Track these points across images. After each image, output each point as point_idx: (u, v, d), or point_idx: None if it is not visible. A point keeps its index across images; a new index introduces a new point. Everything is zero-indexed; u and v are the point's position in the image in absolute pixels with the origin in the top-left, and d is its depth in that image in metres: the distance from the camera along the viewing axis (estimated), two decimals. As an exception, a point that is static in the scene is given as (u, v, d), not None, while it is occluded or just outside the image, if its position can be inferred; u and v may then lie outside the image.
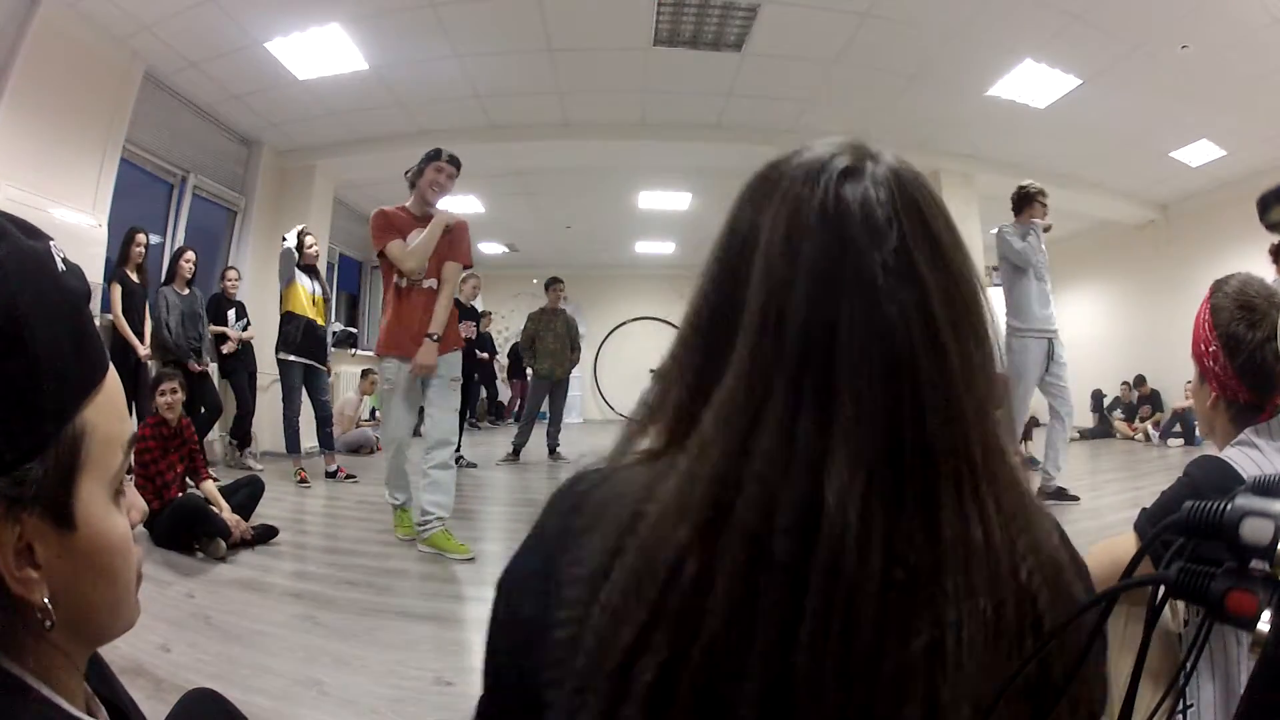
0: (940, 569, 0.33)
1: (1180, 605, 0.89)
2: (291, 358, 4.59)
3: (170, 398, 3.06)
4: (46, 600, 0.35)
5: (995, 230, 4.11)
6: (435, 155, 2.90)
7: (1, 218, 0.36)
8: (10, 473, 0.33)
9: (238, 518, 2.95)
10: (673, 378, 0.42)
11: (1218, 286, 1.01)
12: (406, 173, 2.99)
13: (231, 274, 5.24)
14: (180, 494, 3.06)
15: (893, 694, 0.32)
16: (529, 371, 6.32)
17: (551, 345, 5.88)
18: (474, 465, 5.42)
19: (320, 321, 4.73)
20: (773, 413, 0.35)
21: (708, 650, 0.32)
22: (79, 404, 0.36)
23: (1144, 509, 0.95)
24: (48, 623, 0.36)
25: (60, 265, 0.37)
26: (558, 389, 5.99)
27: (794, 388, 0.35)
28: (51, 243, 0.38)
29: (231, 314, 5.12)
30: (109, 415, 0.39)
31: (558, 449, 6.00)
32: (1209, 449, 1.04)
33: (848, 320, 0.35)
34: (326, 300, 4.95)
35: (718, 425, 0.36)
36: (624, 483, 0.40)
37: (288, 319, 4.59)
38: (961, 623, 0.33)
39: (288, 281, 4.60)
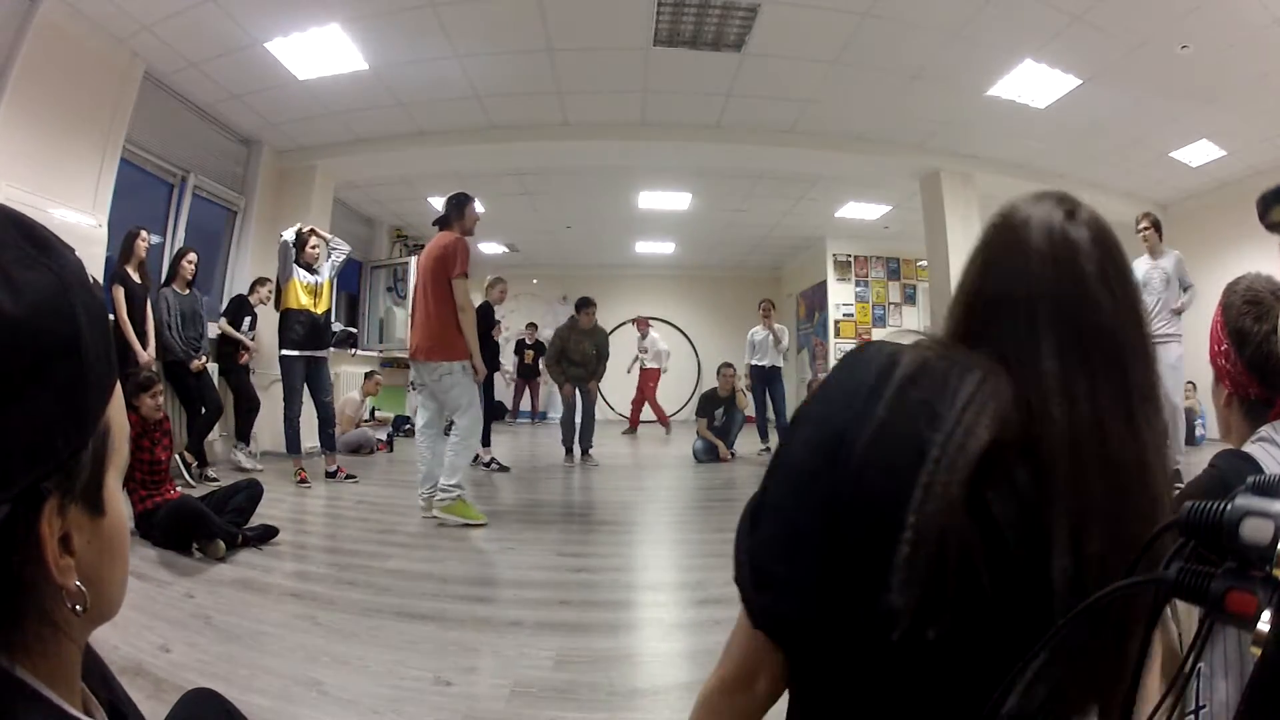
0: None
1: (1195, 613, 0.88)
2: (294, 353, 4.60)
3: (160, 399, 3.12)
4: (79, 584, 0.37)
5: (1179, 254, 4.48)
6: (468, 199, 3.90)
7: (43, 230, 0.38)
8: (65, 466, 0.36)
9: None
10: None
11: (1230, 288, 1.02)
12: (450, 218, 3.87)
13: (263, 289, 5.25)
14: (176, 495, 3.06)
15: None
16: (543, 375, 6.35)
17: (585, 353, 6.14)
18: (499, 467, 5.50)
19: (319, 310, 4.73)
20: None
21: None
22: (108, 402, 0.40)
23: None
24: (78, 608, 0.37)
25: (90, 277, 0.40)
26: (584, 394, 6.18)
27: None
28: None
29: (247, 321, 5.13)
30: (119, 410, 0.42)
31: (590, 451, 6.17)
32: (1207, 449, 1.04)
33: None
34: (331, 285, 4.95)
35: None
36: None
37: (286, 316, 4.60)
38: None
39: (286, 279, 4.60)
